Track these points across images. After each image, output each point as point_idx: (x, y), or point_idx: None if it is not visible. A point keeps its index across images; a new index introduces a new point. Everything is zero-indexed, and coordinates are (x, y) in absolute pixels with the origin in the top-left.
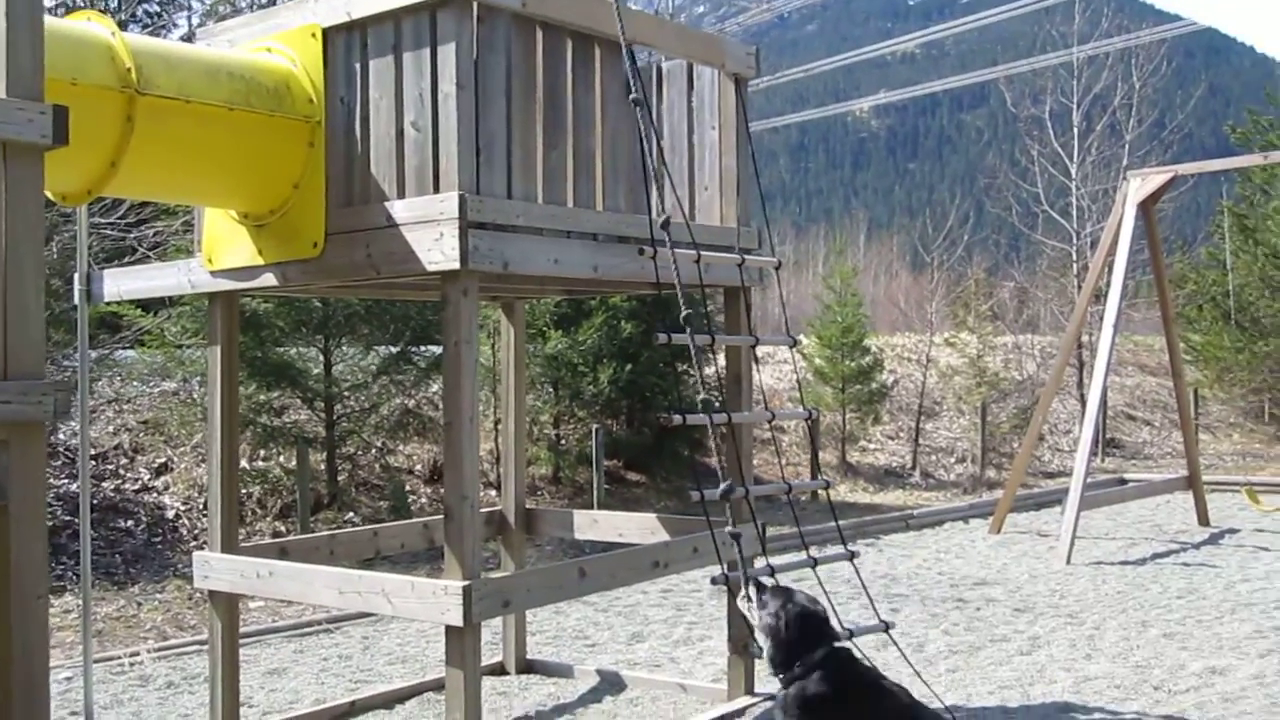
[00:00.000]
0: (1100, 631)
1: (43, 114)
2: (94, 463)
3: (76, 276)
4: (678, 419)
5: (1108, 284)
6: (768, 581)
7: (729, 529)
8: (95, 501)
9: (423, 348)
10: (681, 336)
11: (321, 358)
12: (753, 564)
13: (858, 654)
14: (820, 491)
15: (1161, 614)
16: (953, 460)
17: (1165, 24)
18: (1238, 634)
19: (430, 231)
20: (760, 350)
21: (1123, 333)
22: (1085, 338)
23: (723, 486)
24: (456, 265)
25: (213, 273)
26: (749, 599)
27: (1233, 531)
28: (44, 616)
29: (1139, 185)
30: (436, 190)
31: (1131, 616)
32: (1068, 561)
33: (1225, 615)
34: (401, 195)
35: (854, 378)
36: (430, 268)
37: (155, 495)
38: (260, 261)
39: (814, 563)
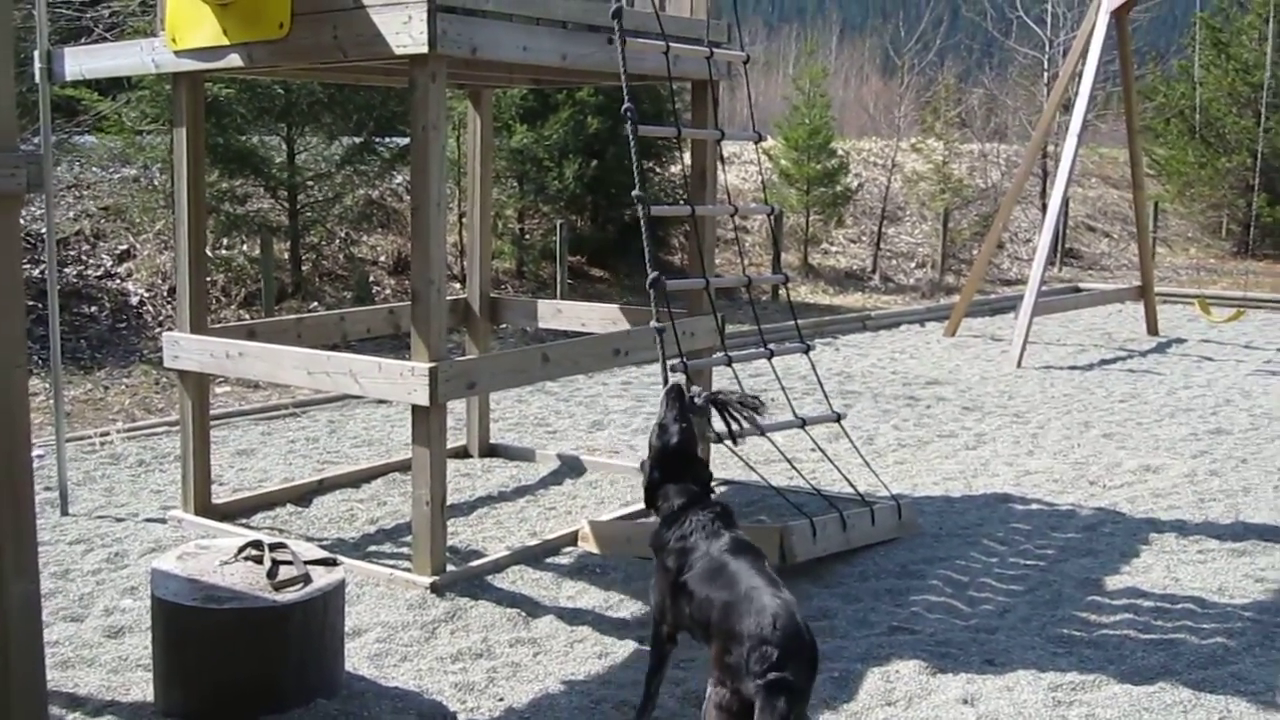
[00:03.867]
0: (1044, 431)
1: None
2: (56, 249)
3: (36, 54)
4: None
5: (1076, 93)
6: (692, 390)
7: (653, 323)
8: (59, 287)
9: (386, 138)
10: (650, 127)
11: (284, 146)
12: (712, 354)
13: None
14: (781, 291)
15: (1104, 416)
16: (913, 265)
17: None
18: (1174, 436)
19: (399, 14)
20: (726, 150)
21: (1088, 144)
22: (1050, 147)
23: (650, 276)
24: (425, 49)
25: (177, 53)
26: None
27: (1180, 341)
28: (23, 385)
29: None
30: None
31: (1075, 418)
32: (1018, 365)
33: (1165, 419)
34: None
35: (819, 180)
36: (398, 51)
37: (119, 282)
38: (225, 41)
39: (770, 354)
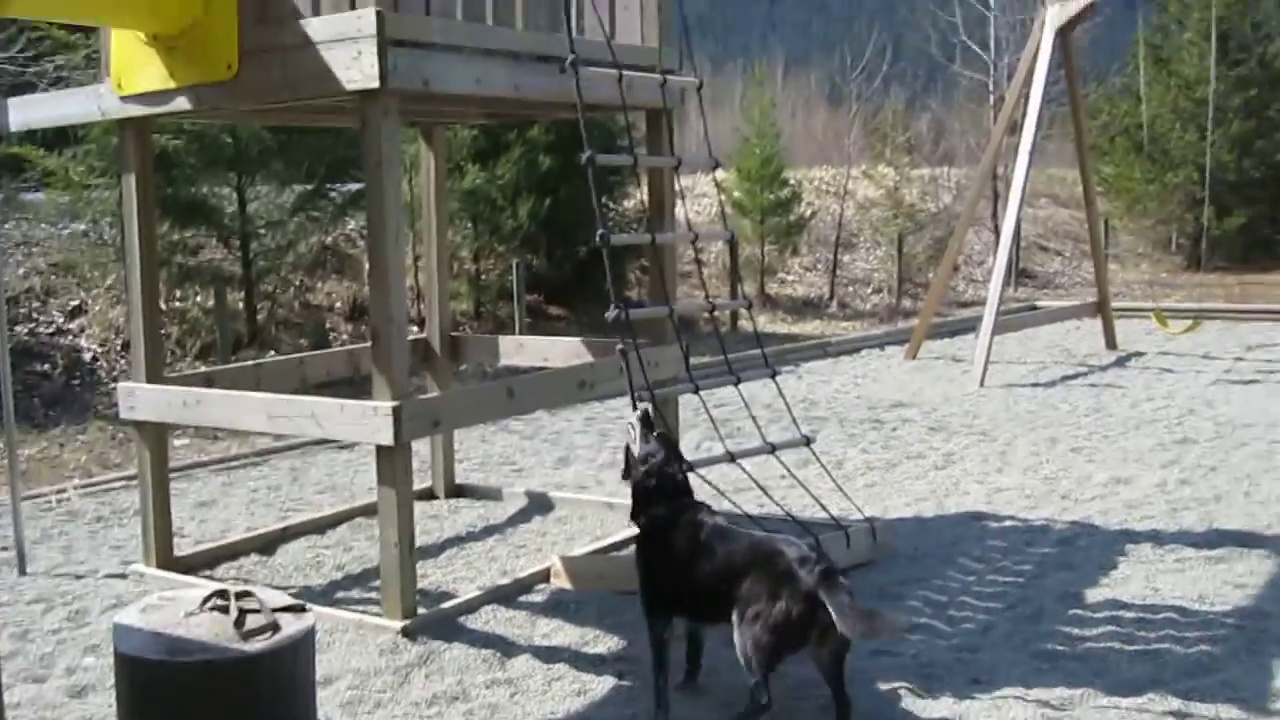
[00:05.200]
0: (1012, 448)
1: None
2: (6, 306)
3: None
4: (601, 240)
5: (1024, 114)
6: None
7: (618, 347)
8: (10, 345)
9: (338, 184)
10: (608, 156)
11: (235, 195)
12: (674, 384)
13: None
14: (740, 321)
15: (1070, 430)
16: (869, 291)
17: None
18: (1141, 447)
19: (348, 50)
20: (680, 183)
21: (1036, 165)
22: (1000, 169)
23: (612, 312)
24: (376, 84)
25: (123, 98)
26: (630, 430)
27: (1139, 354)
28: None
29: (1058, 10)
30: (353, 6)
31: (1041, 434)
32: (981, 384)
33: (1130, 430)
34: (317, 12)
35: (773, 210)
36: (349, 87)
37: (71, 338)
38: (172, 84)
39: (737, 380)
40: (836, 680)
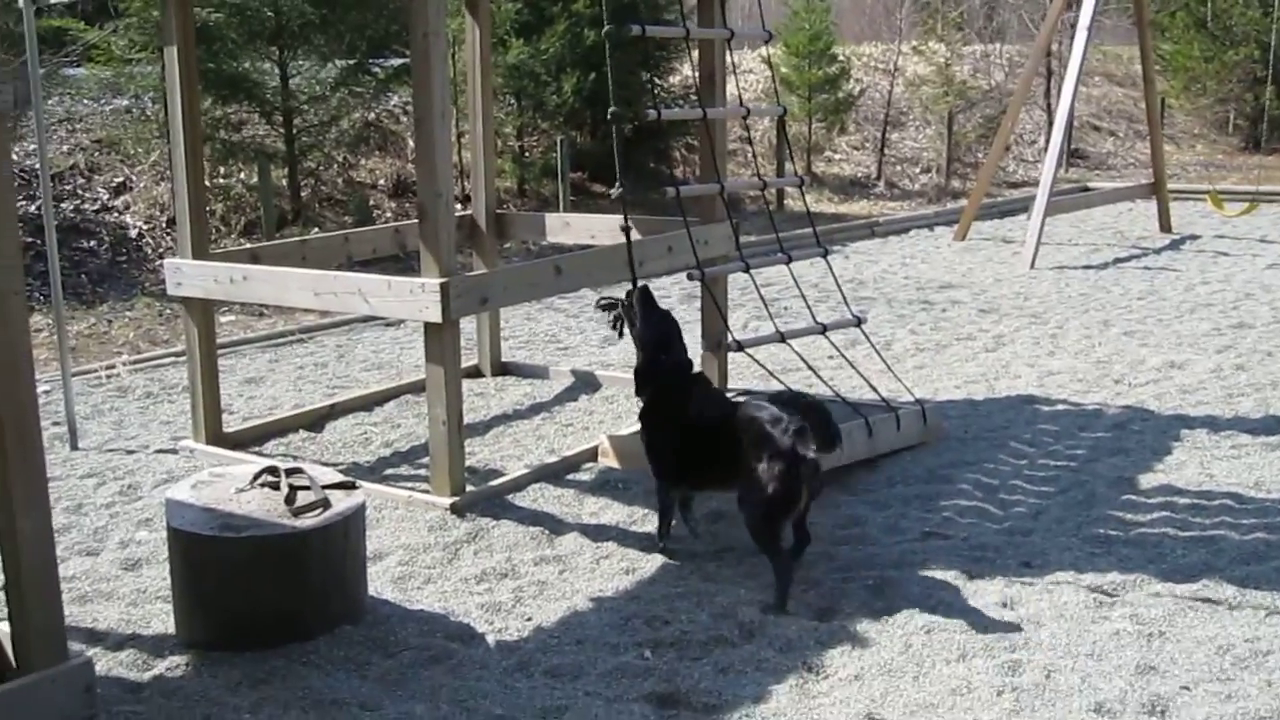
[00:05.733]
0: (1063, 330)
1: None
2: (51, 183)
3: None
4: (652, 114)
5: None
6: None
7: (621, 225)
8: (56, 222)
9: (380, 59)
10: (658, 28)
11: (277, 70)
12: (724, 262)
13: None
14: (786, 200)
15: (1123, 314)
16: (918, 170)
17: None
18: (1196, 331)
19: None
20: (726, 60)
21: (1091, 42)
22: (1055, 46)
23: (616, 189)
24: None
25: None
26: (629, 308)
27: (1194, 238)
28: (23, 313)
29: None
30: None
31: (1094, 316)
32: (1032, 266)
33: (1185, 315)
34: None
35: (821, 86)
36: None
37: (116, 215)
38: None
39: (789, 259)
40: (801, 520)
